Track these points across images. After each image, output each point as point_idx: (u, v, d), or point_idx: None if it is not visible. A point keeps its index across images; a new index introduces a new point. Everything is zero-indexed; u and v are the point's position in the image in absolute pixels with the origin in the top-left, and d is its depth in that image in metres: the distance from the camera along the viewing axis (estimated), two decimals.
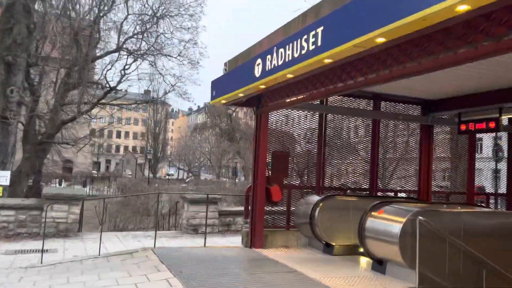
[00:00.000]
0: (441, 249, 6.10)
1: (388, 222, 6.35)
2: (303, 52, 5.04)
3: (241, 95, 7.24)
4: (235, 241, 9.73)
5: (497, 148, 15.32)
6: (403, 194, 9.99)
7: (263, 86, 6.44)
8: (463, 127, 8.75)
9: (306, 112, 9.08)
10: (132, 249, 8.33)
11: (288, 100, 7.36)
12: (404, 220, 6.02)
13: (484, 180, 13.22)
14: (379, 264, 6.75)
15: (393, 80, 5.57)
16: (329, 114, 9.39)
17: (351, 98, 9.34)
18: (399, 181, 10.35)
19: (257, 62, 6.26)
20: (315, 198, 8.40)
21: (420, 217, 5.81)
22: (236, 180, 51.69)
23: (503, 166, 12.06)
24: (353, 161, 10.02)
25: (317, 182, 9.13)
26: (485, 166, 16.95)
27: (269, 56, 5.88)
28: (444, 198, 10.33)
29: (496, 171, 14.10)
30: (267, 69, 5.94)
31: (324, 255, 8.09)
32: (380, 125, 9.71)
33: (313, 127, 9.25)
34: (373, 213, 6.68)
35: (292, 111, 9.07)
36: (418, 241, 5.78)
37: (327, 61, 4.87)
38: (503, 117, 8.06)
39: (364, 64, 5.31)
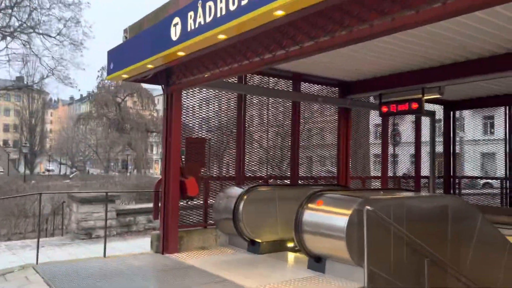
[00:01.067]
0: (387, 241, 5.52)
1: (330, 214, 5.56)
2: (243, 2, 3.88)
3: (150, 66, 5.82)
4: (141, 245, 8.24)
5: (395, 133, 15.89)
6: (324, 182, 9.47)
7: (182, 53, 5.13)
8: (384, 109, 8.42)
9: (224, 92, 7.93)
10: (4, 268, 6.38)
11: (206, 75, 6.12)
12: (350, 211, 5.27)
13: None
14: (316, 262, 5.95)
15: (307, 55, 5.09)
16: (250, 96, 8.37)
17: (271, 78, 8.44)
18: (319, 167, 9.81)
19: (174, 22, 4.92)
20: (237, 190, 7.33)
21: (368, 207, 5.13)
22: (128, 174, 48.34)
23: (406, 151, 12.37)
24: (274, 147, 9.17)
25: (237, 172, 8.07)
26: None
27: (191, 13, 4.59)
28: (362, 184, 10.09)
29: (394, 156, 14.60)
30: (189, 30, 4.65)
31: (250, 254, 7.09)
32: (300, 108, 8.99)
33: (232, 109, 8.14)
34: (310, 205, 5.84)
35: (208, 91, 7.85)
36: (366, 234, 5.10)
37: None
38: (425, 97, 7.86)
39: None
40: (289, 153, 8.94)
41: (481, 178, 12.48)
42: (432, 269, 5.79)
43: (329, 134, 9.76)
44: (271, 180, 8.58)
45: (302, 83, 8.90)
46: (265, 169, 8.72)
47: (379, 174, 10.36)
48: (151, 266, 6.46)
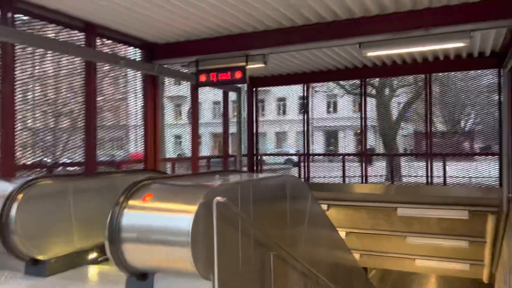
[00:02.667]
0: (235, 239, 4.31)
1: (166, 212, 3.95)
2: None
3: None
4: None
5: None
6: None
7: None
8: (202, 77, 7.17)
9: None
10: None
11: None
12: (195, 206, 3.78)
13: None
14: (139, 280, 4.26)
15: None
16: (21, 47, 5.75)
17: (58, 26, 6.05)
18: (120, 148, 7.87)
19: None
20: (5, 186, 4.85)
21: (219, 198, 3.78)
22: None
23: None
24: (61, 124, 6.75)
25: (2, 158, 5.47)
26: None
27: None
28: (172, 167, 8.66)
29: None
30: None
31: (31, 278, 4.81)
32: (97, 74, 6.85)
33: None
34: (133, 201, 4.08)
35: None
36: (216, 235, 3.77)
37: None
38: (250, 66, 6.96)
39: None
40: (81, 132, 6.73)
41: (283, 155, 12.80)
42: (280, 264, 4.92)
43: (133, 108, 7.92)
44: (60, 168, 6.25)
45: (99, 39, 6.77)
46: (49, 155, 6.30)
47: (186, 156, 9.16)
48: None
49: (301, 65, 9.52)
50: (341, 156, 11.40)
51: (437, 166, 9.44)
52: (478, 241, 10.28)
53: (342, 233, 11.34)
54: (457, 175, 9.42)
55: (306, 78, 10.46)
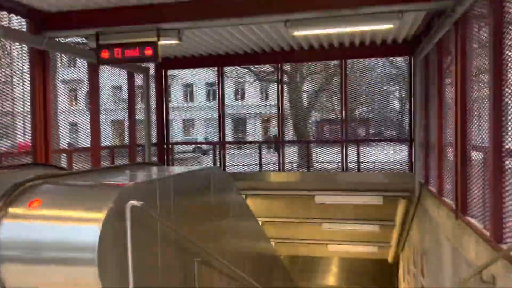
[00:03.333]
0: (154, 249, 3.53)
1: (62, 222, 3.03)
2: None
3: None
4: None
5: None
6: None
7: None
8: (105, 54, 6.10)
9: None
10: None
11: None
12: (102, 213, 2.93)
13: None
14: None
15: None
16: None
17: None
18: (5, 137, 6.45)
19: None
20: None
21: (134, 202, 2.99)
22: None
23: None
24: None
25: None
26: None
27: None
28: (69, 160, 7.41)
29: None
30: None
31: None
32: None
33: None
34: (14, 209, 3.08)
35: None
36: (130, 248, 3.00)
37: None
38: (162, 42, 6.06)
39: None
40: None
41: (198, 143, 11.99)
42: (205, 270, 4.26)
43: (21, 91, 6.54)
44: None
45: None
46: None
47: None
48: None
49: (216, 46, 8.81)
50: (254, 144, 11.02)
51: (351, 152, 9.47)
52: (388, 224, 10.63)
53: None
54: (370, 161, 9.55)
55: (221, 60, 9.77)
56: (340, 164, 9.43)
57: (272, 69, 11.48)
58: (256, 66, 11.65)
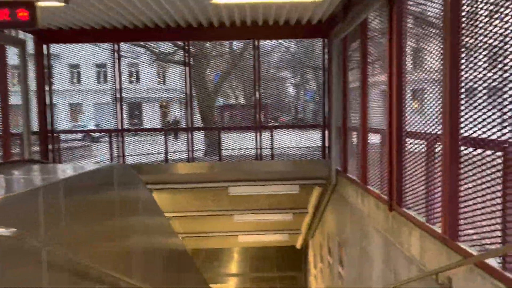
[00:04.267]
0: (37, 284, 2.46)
1: None
2: None
3: None
4: None
5: None
6: None
7: None
8: None
9: None
10: None
11: None
12: None
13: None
14: None
15: None
16: None
17: None
18: None
19: None
20: None
21: (3, 231, 1.93)
22: None
23: None
24: None
25: None
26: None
27: None
28: None
29: None
30: None
31: None
32: None
33: None
34: None
35: None
36: None
37: None
38: (42, 3, 4.71)
39: None
40: None
41: (88, 132, 10.39)
42: None
43: None
44: None
45: None
46: None
47: None
48: None
49: (112, 16, 7.45)
50: (159, 132, 9.90)
51: (265, 139, 8.93)
52: (301, 212, 10.38)
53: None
54: (286, 148, 9.10)
55: (117, 35, 8.42)
56: (254, 152, 8.82)
57: (175, 48, 10.40)
58: (156, 43, 10.42)
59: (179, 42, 9.34)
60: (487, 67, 3.00)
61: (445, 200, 3.49)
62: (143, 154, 9.34)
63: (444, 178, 3.52)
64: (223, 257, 22.32)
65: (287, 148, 9.20)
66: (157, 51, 12.22)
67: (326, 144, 8.62)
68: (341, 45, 7.41)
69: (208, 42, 9.58)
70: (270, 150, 8.90)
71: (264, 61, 9.16)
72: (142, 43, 10.62)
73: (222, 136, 9.20)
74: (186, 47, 9.04)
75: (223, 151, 9.02)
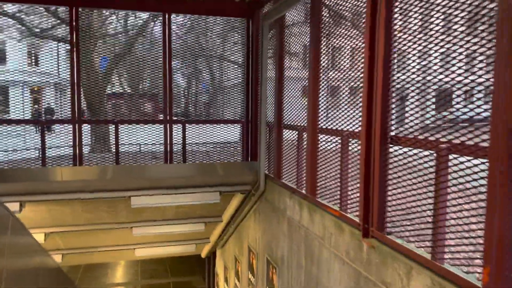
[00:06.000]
0: None
1: None
2: None
3: None
4: None
5: None
6: None
7: None
8: None
9: None
10: None
11: None
12: None
13: None
14: None
15: None
16: None
17: None
18: None
19: None
20: None
21: None
22: None
23: None
24: None
25: None
26: None
27: None
28: None
29: None
30: None
31: None
32: None
33: None
34: None
35: None
36: None
37: None
38: None
39: None
40: None
41: None
42: None
43: None
44: None
45: None
46: None
47: None
48: None
49: None
50: (34, 124, 7.59)
51: (177, 136, 7.32)
52: (214, 221, 8.99)
53: (40, 236, 7.81)
54: (202, 148, 7.58)
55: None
56: (162, 153, 7.17)
57: (53, 23, 8.15)
58: (31, 9, 8.04)
59: (62, 8, 7.20)
60: None
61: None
62: (7, 151, 7.01)
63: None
64: (108, 266, 19.91)
65: (200, 147, 7.68)
66: (30, 25, 9.66)
67: (249, 143, 7.36)
68: (278, 26, 6.17)
69: (104, 11, 7.54)
70: (182, 149, 7.33)
71: (177, 40, 7.51)
72: (9, 10, 8.13)
73: (120, 132, 7.32)
74: (75, 16, 6.98)
75: (120, 151, 7.16)
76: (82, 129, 6.89)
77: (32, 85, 11.30)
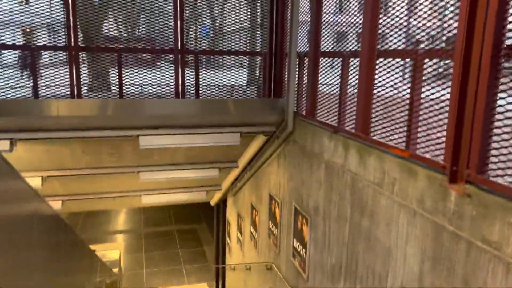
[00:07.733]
0: None
1: None
2: None
3: None
4: None
5: None
6: None
7: None
8: None
9: None
10: None
11: None
12: None
13: None
14: None
15: None
16: None
17: None
18: None
19: None
20: None
21: None
22: None
23: None
24: None
25: None
26: None
27: None
28: None
29: None
30: None
31: None
32: None
33: None
34: None
35: None
36: None
37: None
38: None
39: None
40: None
41: None
42: None
43: None
44: None
45: None
46: None
47: None
48: None
49: None
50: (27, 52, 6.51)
51: (189, 71, 6.34)
52: (229, 166, 8.19)
53: (37, 180, 7.02)
54: (218, 83, 6.61)
55: None
56: (173, 87, 6.19)
57: None
58: None
59: None
60: None
61: None
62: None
63: None
64: (110, 213, 19.48)
65: (221, 84, 6.68)
66: None
67: (272, 78, 6.38)
68: None
69: None
70: (195, 83, 6.34)
71: None
72: None
73: (123, 64, 6.28)
74: None
75: (125, 84, 6.18)
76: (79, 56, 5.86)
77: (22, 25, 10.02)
